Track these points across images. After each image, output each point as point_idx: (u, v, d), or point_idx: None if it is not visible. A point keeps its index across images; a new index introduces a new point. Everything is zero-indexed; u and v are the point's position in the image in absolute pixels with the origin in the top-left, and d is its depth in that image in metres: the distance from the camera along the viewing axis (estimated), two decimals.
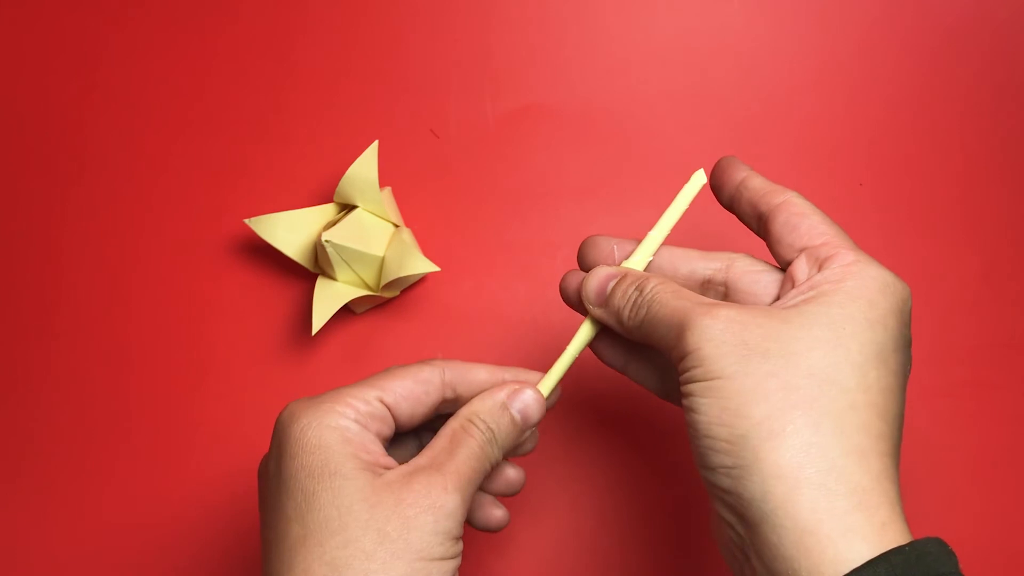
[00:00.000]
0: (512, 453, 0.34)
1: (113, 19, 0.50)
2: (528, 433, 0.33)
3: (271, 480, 0.29)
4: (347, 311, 0.46)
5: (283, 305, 0.46)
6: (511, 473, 0.34)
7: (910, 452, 0.44)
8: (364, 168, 0.43)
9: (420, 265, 0.42)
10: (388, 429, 0.31)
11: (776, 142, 0.48)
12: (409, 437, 0.35)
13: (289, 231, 0.44)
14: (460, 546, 0.29)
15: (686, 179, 0.36)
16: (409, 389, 0.31)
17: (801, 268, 0.30)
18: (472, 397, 0.32)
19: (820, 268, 0.30)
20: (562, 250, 0.47)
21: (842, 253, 0.30)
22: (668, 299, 0.30)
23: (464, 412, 0.31)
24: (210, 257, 0.47)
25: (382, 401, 0.30)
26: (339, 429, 0.29)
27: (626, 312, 0.31)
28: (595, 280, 0.33)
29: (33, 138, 0.49)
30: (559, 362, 0.34)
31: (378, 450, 0.29)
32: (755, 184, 0.33)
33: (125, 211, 0.48)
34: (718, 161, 0.34)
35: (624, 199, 0.47)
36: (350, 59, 0.49)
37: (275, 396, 0.44)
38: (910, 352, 0.30)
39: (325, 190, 0.47)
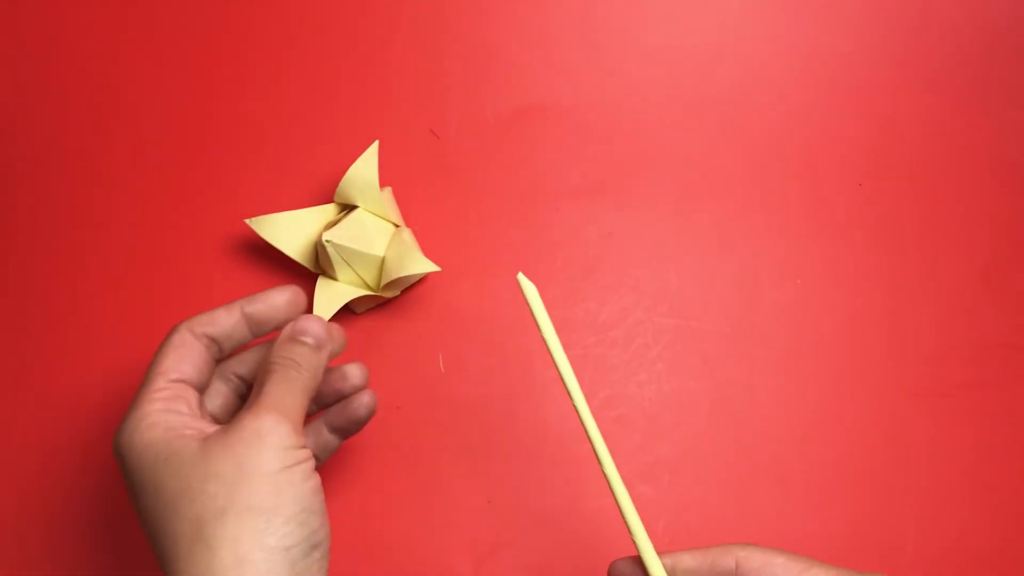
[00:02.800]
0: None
1: (114, 20, 0.50)
2: (332, 347, 0.36)
3: (137, 502, 0.32)
4: (347, 311, 0.46)
5: None
6: (353, 373, 0.39)
7: (910, 452, 0.44)
8: (364, 168, 0.43)
9: (420, 265, 0.42)
10: (201, 380, 0.35)
11: (776, 142, 0.48)
12: None
13: (290, 231, 0.44)
14: (303, 452, 0.31)
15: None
16: (199, 353, 0.35)
17: None
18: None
19: None
20: (562, 250, 0.47)
21: None
22: None
23: (265, 358, 0.35)
24: (211, 257, 0.47)
25: (179, 380, 0.34)
26: (154, 427, 0.31)
27: None
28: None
29: (35, 138, 0.49)
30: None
31: (198, 425, 0.32)
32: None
33: (125, 211, 0.48)
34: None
35: (624, 199, 0.47)
36: (350, 59, 0.49)
37: None
38: None
39: (325, 190, 0.47)
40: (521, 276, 0.33)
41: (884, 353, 0.45)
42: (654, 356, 0.45)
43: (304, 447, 0.32)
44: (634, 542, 0.33)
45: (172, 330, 0.35)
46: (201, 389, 0.35)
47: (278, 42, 0.49)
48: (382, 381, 0.44)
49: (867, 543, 0.43)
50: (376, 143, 0.44)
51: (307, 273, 0.45)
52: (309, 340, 0.35)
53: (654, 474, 0.44)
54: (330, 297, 0.43)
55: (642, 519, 0.33)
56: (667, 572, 0.32)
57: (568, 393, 0.33)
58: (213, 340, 0.35)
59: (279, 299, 0.37)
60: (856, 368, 0.45)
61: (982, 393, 0.45)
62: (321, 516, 0.31)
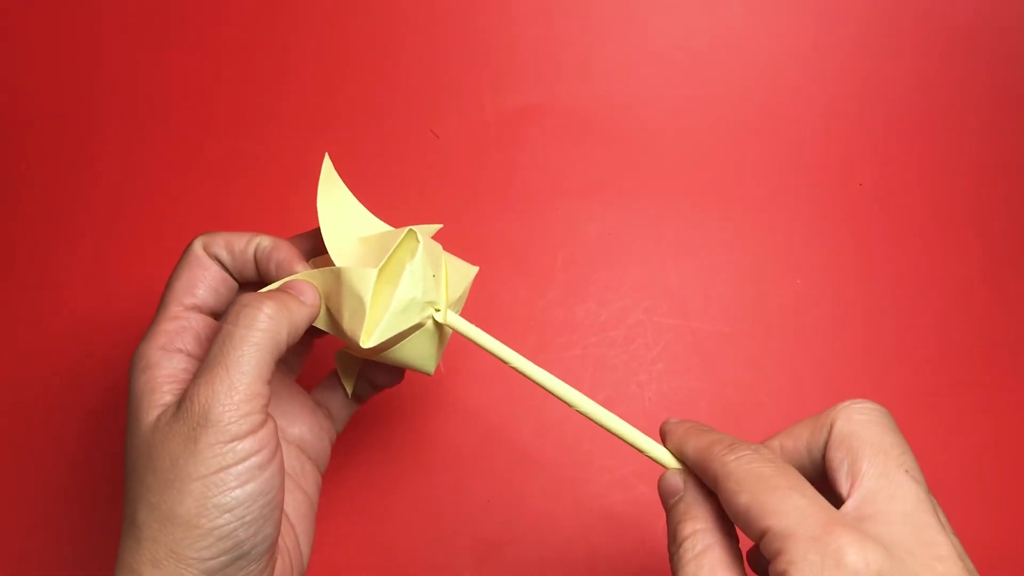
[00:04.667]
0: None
1: (99, 16, 0.50)
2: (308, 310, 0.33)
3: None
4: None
5: None
6: None
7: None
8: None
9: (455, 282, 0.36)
10: (218, 304, 0.33)
11: (776, 142, 0.48)
12: None
13: (343, 231, 0.36)
14: (250, 443, 0.28)
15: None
16: (213, 275, 0.33)
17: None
18: (229, 261, 0.34)
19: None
20: (562, 250, 0.47)
21: (777, 556, 0.24)
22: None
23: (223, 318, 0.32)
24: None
25: (193, 306, 0.32)
26: (147, 370, 0.30)
27: (669, 546, 0.29)
28: (660, 488, 0.31)
29: (41, 145, 0.49)
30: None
31: (185, 374, 0.30)
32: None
33: (131, 219, 0.48)
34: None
35: (624, 199, 0.47)
36: (350, 59, 0.49)
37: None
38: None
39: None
40: (448, 316, 0.32)
41: (884, 353, 0.45)
42: (654, 356, 0.45)
43: (256, 431, 0.28)
44: (648, 455, 0.31)
45: (189, 244, 0.33)
46: (217, 313, 0.33)
47: (278, 42, 0.49)
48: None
49: None
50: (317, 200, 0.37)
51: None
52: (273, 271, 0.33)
53: (654, 474, 0.44)
54: (351, 364, 0.38)
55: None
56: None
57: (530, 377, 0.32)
58: (224, 266, 0.34)
59: (290, 253, 0.34)
60: (856, 368, 0.45)
61: (982, 393, 0.45)
62: (257, 524, 0.28)
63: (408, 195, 0.47)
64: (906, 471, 0.26)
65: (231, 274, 0.34)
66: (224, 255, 0.33)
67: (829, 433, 0.27)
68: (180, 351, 0.31)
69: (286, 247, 0.33)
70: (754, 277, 0.46)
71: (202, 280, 0.33)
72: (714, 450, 0.28)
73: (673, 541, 0.28)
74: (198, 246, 0.33)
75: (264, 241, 0.33)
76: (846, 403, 0.28)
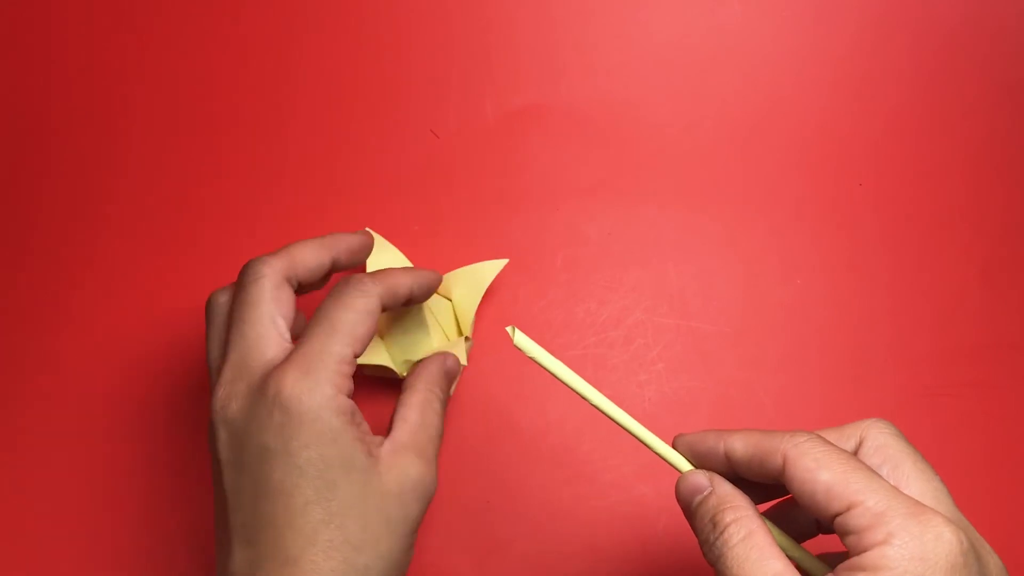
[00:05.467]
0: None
1: (101, 21, 0.50)
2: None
3: (271, 453, 0.31)
4: None
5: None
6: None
7: None
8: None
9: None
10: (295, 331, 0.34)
11: (776, 142, 0.48)
12: None
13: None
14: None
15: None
16: (291, 303, 0.34)
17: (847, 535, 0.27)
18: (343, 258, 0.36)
19: (858, 545, 0.26)
20: (562, 250, 0.47)
21: (872, 528, 0.26)
22: (737, 562, 0.28)
23: (423, 383, 0.37)
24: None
25: (352, 350, 0.33)
26: (341, 413, 0.31)
27: (704, 539, 0.30)
28: (682, 489, 0.32)
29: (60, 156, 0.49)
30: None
31: (360, 419, 0.33)
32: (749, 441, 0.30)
33: (150, 233, 0.48)
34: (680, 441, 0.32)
35: (624, 199, 0.47)
36: (350, 59, 0.49)
37: None
38: None
39: (323, 186, 0.47)
40: (516, 335, 0.31)
41: (884, 353, 0.45)
42: (654, 356, 0.45)
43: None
44: (671, 463, 0.32)
45: (256, 272, 0.33)
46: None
47: (277, 43, 0.49)
48: (382, 381, 0.44)
49: None
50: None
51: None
52: (455, 376, 0.39)
53: (654, 474, 0.44)
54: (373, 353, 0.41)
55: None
56: (721, 453, 0.30)
57: (609, 416, 0.32)
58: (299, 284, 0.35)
59: (363, 243, 0.38)
60: (856, 368, 0.45)
61: (982, 393, 0.45)
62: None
63: (408, 195, 0.47)
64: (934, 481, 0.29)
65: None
66: (302, 273, 0.35)
67: (860, 443, 0.29)
68: (345, 391, 0.32)
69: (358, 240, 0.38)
70: (754, 277, 0.46)
71: (286, 313, 0.34)
72: (774, 438, 0.29)
73: (713, 529, 0.29)
74: (276, 275, 0.33)
75: (342, 250, 0.36)
76: (870, 421, 0.30)
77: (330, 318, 0.32)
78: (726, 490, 0.30)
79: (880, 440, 0.29)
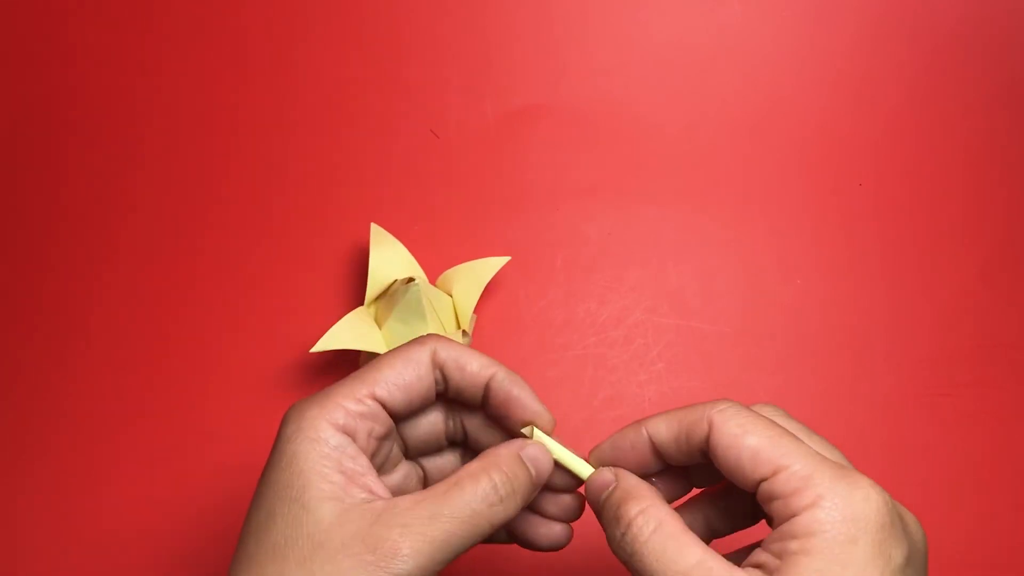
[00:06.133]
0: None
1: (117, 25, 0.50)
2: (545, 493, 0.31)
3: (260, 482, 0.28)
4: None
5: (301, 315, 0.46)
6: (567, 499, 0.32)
7: (910, 452, 0.44)
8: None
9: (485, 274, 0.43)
10: (383, 427, 0.29)
11: (776, 142, 0.48)
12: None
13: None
14: None
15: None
16: (400, 376, 0.29)
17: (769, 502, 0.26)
18: (460, 384, 0.30)
19: (785, 510, 0.25)
20: (562, 250, 0.47)
21: (799, 491, 0.25)
22: (654, 556, 0.26)
23: (483, 459, 0.29)
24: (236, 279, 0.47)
25: (374, 397, 0.28)
26: (320, 443, 0.27)
27: (611, 535, 0.28)
28: (590, 490, 0.30)
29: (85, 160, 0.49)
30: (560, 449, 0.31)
31: (359, 467, 0.27)
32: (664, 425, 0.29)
33: (164, 237, 0.48)
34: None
35: (624, 199, 0.47)
36: (350, 60, 0.49)
37: (279, 391, 0.44)
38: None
39: (323, 185, 0.47)
40: (535, 433, 0.30)
41: (884, 353, 0.45)
42: (654, 356, 0.45)
43: None
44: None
45: (420, 339, 0.30)
46: (394, 415, 0.29)
47: (278, 43, 0.49)
48: None
49: None
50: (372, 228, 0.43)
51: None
52: (533, 472, 0.29)
53: None
54: (356, 334, 0.41)
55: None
56: (644, 440, 0.29)
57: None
58: (437, 382, 0.30)
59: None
60: (856, 368, 0.45)
61: (982, 393, 0.45)
62: None
63: (408, 195, 0.47)
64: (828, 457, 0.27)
65: (441, 390, 0.30)
66: (438, 374, 0.30)
67: (709, 432, 0.27)
68: (354, 435, 0.28)
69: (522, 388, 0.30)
70: (754, 277, 0.46)
71: (409, 380, 0.29)
72: (697, 409, 0.28)
73: (618, 525, 0.27)
74: (429, 344, 0.30)
75: (500, 373, 0.30)
76: (719, 409, 0.28)
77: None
78: (631, 483, 0.28)
79: (776, 414, 0.29)
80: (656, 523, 0.26)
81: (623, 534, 0.27)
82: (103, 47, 0.49)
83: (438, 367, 0.30)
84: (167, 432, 0.45)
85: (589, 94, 0.49)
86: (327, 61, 0.49)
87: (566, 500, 0.32)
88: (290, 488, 0.26)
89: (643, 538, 0.26)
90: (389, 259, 0.43)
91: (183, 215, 0.48)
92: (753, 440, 0.26)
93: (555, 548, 0.32)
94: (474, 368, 0.30)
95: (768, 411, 0.29)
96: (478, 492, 0.27)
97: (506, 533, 0.32)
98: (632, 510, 0.27)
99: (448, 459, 0.33)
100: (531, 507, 0.31)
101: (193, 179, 0.48)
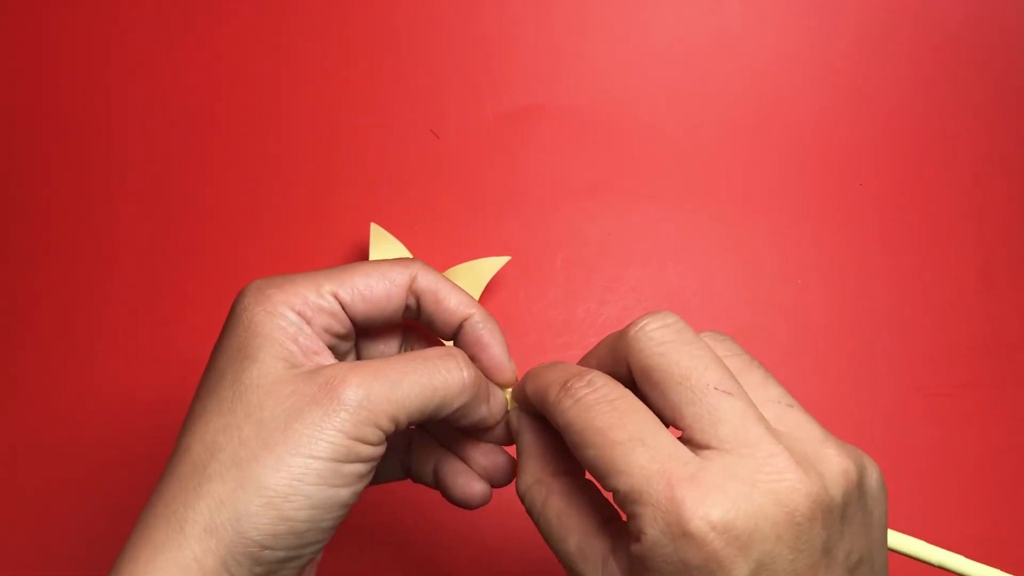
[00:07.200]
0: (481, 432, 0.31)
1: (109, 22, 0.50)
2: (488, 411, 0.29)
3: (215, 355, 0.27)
4: None
5: None
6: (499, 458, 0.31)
7: (910, 452, 0.44)
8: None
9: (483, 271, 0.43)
10: (340, 326, 0.28)
11: (776, 142, 0.48)
12: None
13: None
14: (366, 449, 0.25)
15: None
16: (370, 287, 0.28)
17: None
18: (434, 316, 0.29)
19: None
20: (562, 250, 0.47)
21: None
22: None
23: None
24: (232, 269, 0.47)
25: (336, 296, 0.27)
26: (277, 316, 0.26)
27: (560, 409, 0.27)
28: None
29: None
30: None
31: (314, 346, 0.26)
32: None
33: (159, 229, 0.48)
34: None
35: (624, 199, 0.47)
36: (350, 60, 0.49)
37: None
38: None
39: (323, 184, 0.47)
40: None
41: (885, 353, 0.45)
42: None
43: (382, 444, 0.25)
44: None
45: (404, 260, 0.29)
46: (342, 330, 0.28)
47: (278, 43, 0.49)
48: None
49: None
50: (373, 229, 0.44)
51: None
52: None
53: None
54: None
55: None
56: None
57: None
58: (408, 309, 0.29)
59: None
60: (857, 368, 0.45)
61: (982, 393, 0.45)
62: (325, 534, 0.25)
63: (408, 195, 0.47)
64: (715, 387, 0.24)
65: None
66: (412, 300, 0.29)
67: (629, 370, 0.26)
68: (310, 322, 0.27)
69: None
70: (754, 277, 0.46)
71: (377, 295, 0.28)
72: (549, 396, 0.26)
73: (569, 393, 0.26)
74: (413, 268, 0.29)
75: (478, 315, 0.29)
76: (633, 331, 0.25)
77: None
78: (521, 445, 0.28)
79: (640, 364, 0.25)
80: (541, 502, 0.27)
81: (578, 399, 0.25)
82: (103, 46, 0.50)
83: (414, 294, 0.29)
84: (168, 433, 0.45)
85: (589, 94, 0.49)
86: (327, 61, 0.49)
87: (499, 459, 0.31)
88: (245, 348, 0.26)
89: (535, 514, 0.27)
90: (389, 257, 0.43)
91: (183, 215, 0.48)
92: (590, 454, 0.24)
93: (469, 506, 0.30)
94: (451, 304, 0.29)
95: (654, 333, 0.25)
96: (434, 351, 0.27)
97: (433, 475, 0.31)
98: (522, 484, 0.27)
99: None
100: (463, 454, 0.31)
101: (193, 179, 0.48)
